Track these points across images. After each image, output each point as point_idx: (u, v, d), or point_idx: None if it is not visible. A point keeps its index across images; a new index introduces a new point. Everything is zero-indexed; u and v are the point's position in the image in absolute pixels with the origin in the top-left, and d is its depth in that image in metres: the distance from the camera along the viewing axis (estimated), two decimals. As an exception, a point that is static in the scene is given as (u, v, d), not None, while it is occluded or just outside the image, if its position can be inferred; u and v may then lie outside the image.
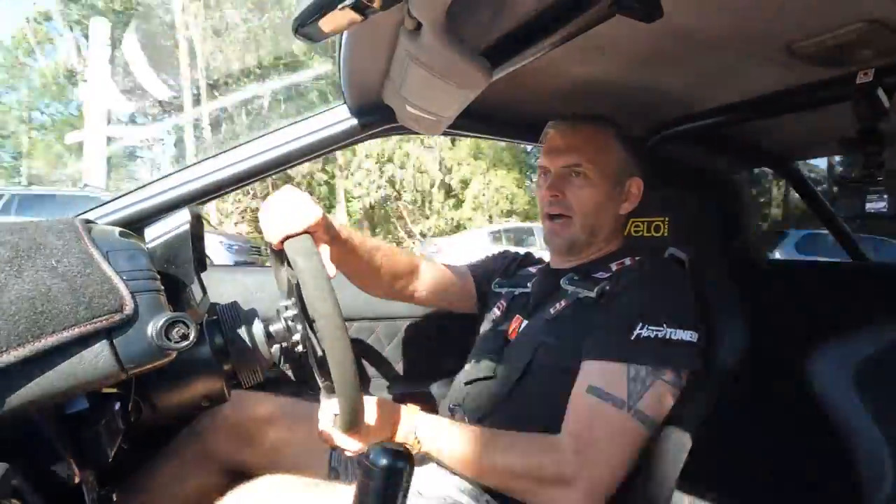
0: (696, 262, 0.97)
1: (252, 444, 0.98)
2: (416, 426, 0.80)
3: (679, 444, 0.85)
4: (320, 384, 0.75)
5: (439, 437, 0.79)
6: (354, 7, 0.48)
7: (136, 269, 0.59)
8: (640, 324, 0.77)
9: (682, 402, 0.79)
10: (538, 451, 0.74)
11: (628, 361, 0.75)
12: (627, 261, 0.94)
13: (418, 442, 0.78)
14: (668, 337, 0.76)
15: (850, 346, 0.76)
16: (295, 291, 0.76)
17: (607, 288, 0.87)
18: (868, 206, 0.90)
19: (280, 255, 0.77)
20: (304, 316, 0.76)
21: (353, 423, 0.67)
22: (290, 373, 1.30)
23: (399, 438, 0.77)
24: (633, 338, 0.76)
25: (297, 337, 0.75)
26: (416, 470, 0.88)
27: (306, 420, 1.00)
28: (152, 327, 0.55)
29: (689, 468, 0.85)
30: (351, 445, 0.74)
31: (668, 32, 0.78)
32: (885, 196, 0.87)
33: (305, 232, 0.69)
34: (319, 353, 0.73)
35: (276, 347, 0.76)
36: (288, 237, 0.68)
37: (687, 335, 0.77)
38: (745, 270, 1.11)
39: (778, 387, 0.93)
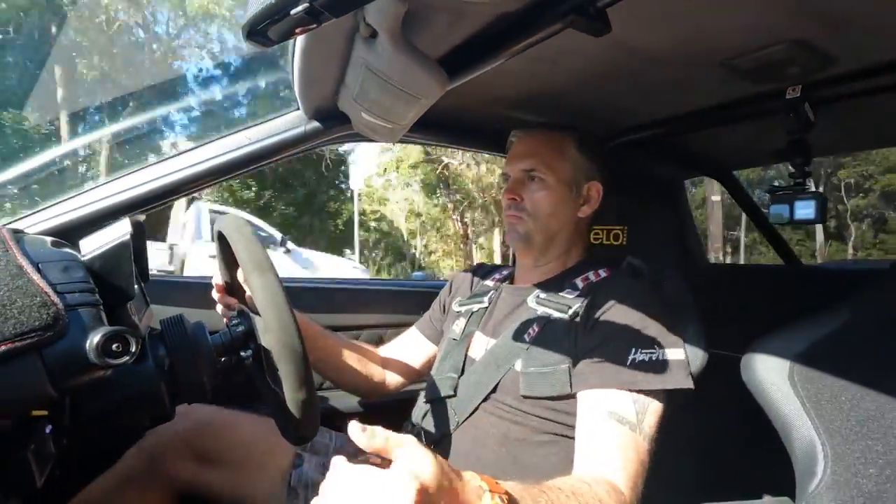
0: (655, 272, 1.00)
1: (204, 462, 0.93)
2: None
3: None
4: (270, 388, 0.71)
5: None
6: (307, 12, 0.47)
7: (71, 282, 0.56)
8: (633, 349, 0.79)
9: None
10: (607, 498, 0.65)
11: (630, 388, 0.76)
12: (591, 275, 0.95)
13: None
14: (660, 358, 0.79)
15: (786, 343, 0.80)
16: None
17: (580, 310, 0.87)
18: (797, 213, 0.96)
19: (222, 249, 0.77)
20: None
21: (305, 429, 0.60)
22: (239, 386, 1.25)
23: None
24: (629, 364, 0.78)
25: (247, 351, 0.72)
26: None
27: (260, 436, 0.96)
28: (89, 342, 0.52)
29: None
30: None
31: (615, 47, 0.81)
32: (813, 203, 0.93)
33: None
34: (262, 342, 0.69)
35: (224, 361, 0.73)
36: None
37: (674, 353, 0.80)
38: (689, 273, 1.16)
39: (720, 381, 0.97)
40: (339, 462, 0.46)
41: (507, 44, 0.71)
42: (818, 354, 0.76)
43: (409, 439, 0.46)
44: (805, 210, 0.94)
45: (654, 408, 0.77)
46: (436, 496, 0.43)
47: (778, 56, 0.82)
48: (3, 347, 0.47)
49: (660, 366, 0.78)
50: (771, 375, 0.78)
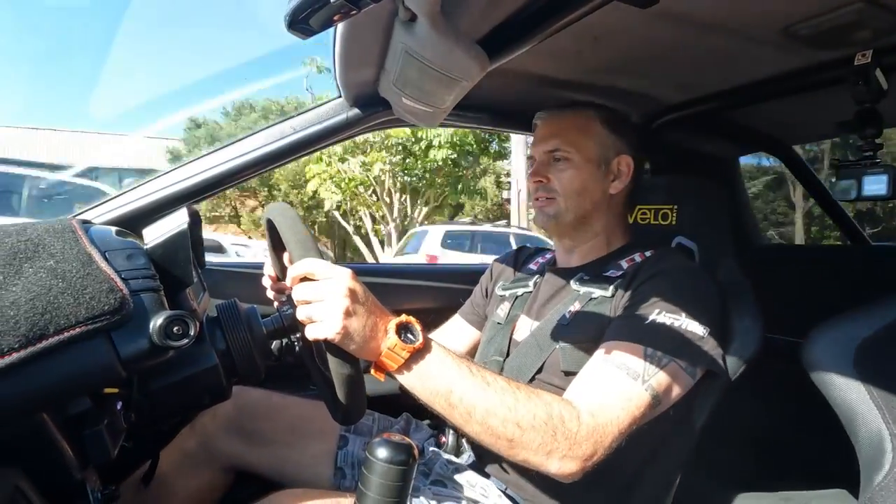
0: (707, 252, 0.96)
1: (254, 442, 0.98)
2: (422, 332, 0.67)
3: (688, 433, 0.85)
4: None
5: (447, 357, 0.68)
6: (348, -1, 0.47)
7: (134, 268, 0.59)
8: (657, 310, 0.77)
9: (694, 394, 0.79)
10: (558, 404, 0.69)
11: (644, 343, 0.74)
12: (637, 257, 0.92)
13: (417, 351, 0.65)
14: (684, 327, 0.76)
15: (851, 328, 0.76)
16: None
17: (621, 286, 0.86)
18: (865, 188, 0.89)
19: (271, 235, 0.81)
20: None
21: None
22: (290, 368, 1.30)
23: (390, 333, 0.65)
24: (648, 321, 0.76)
25: (297, 334, 0.75)
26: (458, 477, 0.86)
27: (306, 418, 1.01)
28: (152, 325, 0.55)
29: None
30: (304, 294, 0.63)
31: (663, 18, 0.77)
32: (885, 178, 0.86)
33: None
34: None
35: (275, 344, 0.76)
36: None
37: (703, 330, 0.77)
38: (744, 253, 1.11)
39: (777, 368, 0.93)
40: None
41: (549, 21, 0.69)
42: (888, 339, 0.71)
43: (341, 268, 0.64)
44: (875, 185, 0.87)
45: (672, 373, 0.74)
46: (363, 297, 0.64)
47: (846, 19, 0.76)
48: (78, 330, 0.51)
49: (682, 334, 0.75)
50: (834, 361, 0.74)
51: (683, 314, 0.77)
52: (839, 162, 0.93)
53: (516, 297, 1.03)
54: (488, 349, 1.00)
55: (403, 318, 0.66)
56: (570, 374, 0.83)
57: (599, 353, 0.77)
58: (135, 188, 1.00)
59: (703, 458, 0.89)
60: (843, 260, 1.54)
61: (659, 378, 0.73)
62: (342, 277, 0.63)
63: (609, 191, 0.96)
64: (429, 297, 1.57)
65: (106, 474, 0.70)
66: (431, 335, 1.18)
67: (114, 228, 0.71)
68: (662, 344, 0.74)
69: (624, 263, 0.92)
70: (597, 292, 0.88)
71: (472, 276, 1.51)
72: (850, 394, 0.72)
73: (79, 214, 0.96)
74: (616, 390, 0.71)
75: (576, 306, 0.89)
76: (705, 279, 0.85)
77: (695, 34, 0.84)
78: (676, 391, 0.75)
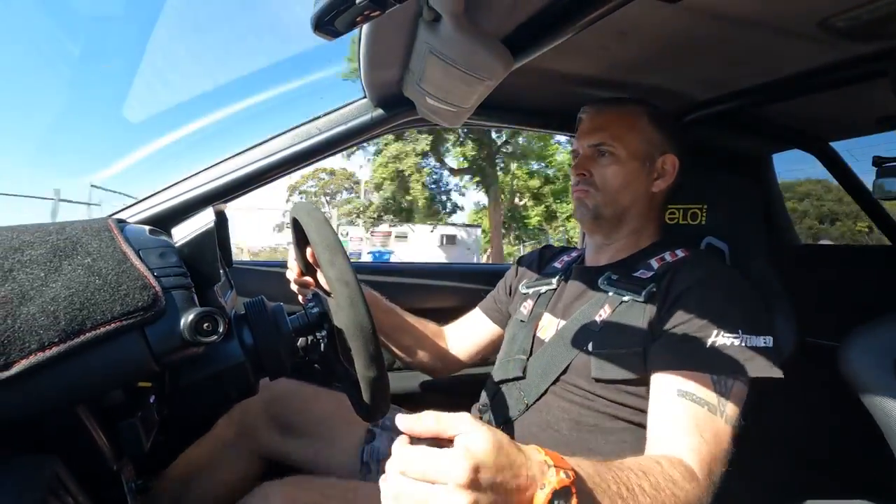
0: (738, 254, 0.94)
1: (288, 432, 1.01)
2: (576, 474, 0.49)
3: None
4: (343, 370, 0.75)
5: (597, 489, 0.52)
6: (373, 0, 0.47)
7: (167, 266, 0.61)
8: (715, 331, 0.74)
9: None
10: (682, 479, 0.63)
11: (710, 371, 0.73)
12: (667, 256, 0.90)
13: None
14: (745, 344, 0.74)
15: (890, 332, 0.73)
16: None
17: (655, 291, 0.83)
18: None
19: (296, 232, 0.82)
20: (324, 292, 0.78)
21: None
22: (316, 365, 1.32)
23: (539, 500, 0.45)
24: (708, 346, 0.74)
25: (322, 331, 0.76)
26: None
27: (336, 410, 1.02)
28: (183, 322, 0.57)
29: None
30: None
31: (693, 12, 0.76)
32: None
33: None
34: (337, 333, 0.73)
35: (301, 341, 0.77)
36: None
37: (761, 340, 0.75)
38: (779, 254, 1.07)
39: (813, 372, 0.90)
40: (398, 443, 0.45)
41: (574, 18, 0.68)
42: None
43: (462, 417, 0.45)
44: (918, 183, 0.84)
45: (738, 393, 0.72)
46: (492, 472, 0.42)
47: (887, 10, 0.73)
48: (113, 325, 0.53)
49: (744, 351, 0.73)
50: (872, 367, 0.71)
51: (741, 330, 0.75)
52: (881, 160, 0.89)
53: (539, 295, 1.02)
54: (511, 347, 1.00)
55: (556, 484, 0.46)
56: (600, 381, 0.82)
57: (670, 384, 0.74)
58: (166, 188, 1.03)
59: (733, 462, 0.87)
60: (883, 261, 1.48)
61: (730, 403, 0.72)
62: (464, 456, 0.42)
63: (651, 189, 0.94)
64: (447, 296, 1.57)
65: (141, 467, 0.72)
66: (448, 327, 1.19)
67: (146, 227, 0.73)
68: (727, 368, 0.73)
69: (654, 263, 0.89)
70: (628, 295, 0.86)
71: (490, 276, 1.51)
72: (889, 402, 0.69)
73: (114, 214, 1.00)
74: (710, 435, 0.69)
75: (606, 310, 0.87)
76: (743, 282, 0.82)
77: (726, 28, 0.82)
78: (742, 405, 0.74)
